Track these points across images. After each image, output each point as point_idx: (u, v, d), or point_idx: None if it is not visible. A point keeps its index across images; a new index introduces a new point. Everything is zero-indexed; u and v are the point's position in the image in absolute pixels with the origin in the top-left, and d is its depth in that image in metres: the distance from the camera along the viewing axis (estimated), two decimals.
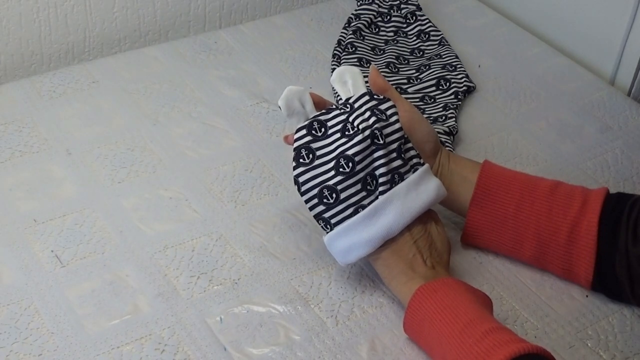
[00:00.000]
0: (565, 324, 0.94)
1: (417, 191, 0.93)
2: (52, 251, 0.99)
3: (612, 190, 1.12)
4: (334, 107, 0.97)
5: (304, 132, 0.94)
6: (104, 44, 1.42)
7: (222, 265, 0.99)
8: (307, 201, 0.93)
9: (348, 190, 0.92)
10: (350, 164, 0.92)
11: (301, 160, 0.93)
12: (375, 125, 0.93)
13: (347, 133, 0.93)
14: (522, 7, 1.49)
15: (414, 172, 0.94)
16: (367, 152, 0.92)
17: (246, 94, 1.27)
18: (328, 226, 0.93)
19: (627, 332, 0.94)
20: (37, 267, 0.97)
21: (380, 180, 0.92)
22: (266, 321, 0.93)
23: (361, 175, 0.92)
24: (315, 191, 0.92)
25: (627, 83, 1.34)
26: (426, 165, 0.95)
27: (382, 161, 0.92)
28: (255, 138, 1.18)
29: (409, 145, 0.95)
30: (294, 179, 0.93)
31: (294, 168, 0.93)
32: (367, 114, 0.94)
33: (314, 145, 0.94)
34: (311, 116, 0.95)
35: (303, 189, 0.92)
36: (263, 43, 1.39)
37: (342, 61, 1.30)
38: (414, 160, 0.95)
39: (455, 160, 1.01)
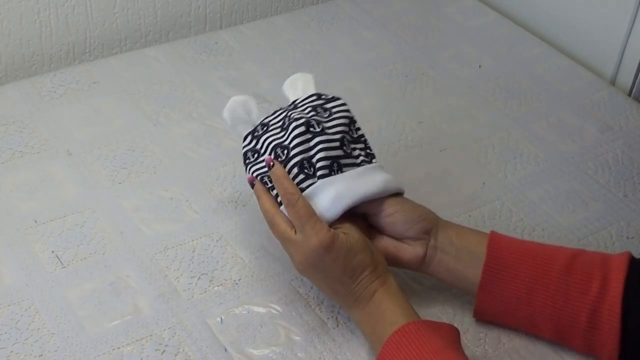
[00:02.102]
0: None
1: (360, 181, 0.91)
2: (52, 252, 0.99)
3: (613, 190, 1.12)
4: (279, 109, 0.98)
5: (249, 138, 0.97)
6: (105, 45, 1.42)
7: (223, 266, 0.99)
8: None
9: (290, 174, 0.92)
10: (286, 151, 0.92)
11: (247, 161, 0.96)
12: (313, 117, 0.93)
13: (284, 126, 0.94)
14: (522, 7, 1.49)
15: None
16: (303, 138, 0.91)
17: (246, 95, 1.26)
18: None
19: None
20: (37, 268, 0.97)
21: (319, 165, 0.91)
22: (267, 322, 0.93)
23: (297, 159, 0.91)
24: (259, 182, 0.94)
25: (628, 83, 1.34)
26: (377, 164, 0.94)
27: (321, 146, 0.91)
28: None
29: (358, 145, 0.95)
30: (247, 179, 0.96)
31: (245, 171, 0.96)
32: (307, 110, 0.95)
33: (258, 147, 0.95)
34: (257, 122, 0.97)
35: (252, 184, 0.95)
36: (263, 43, 1.39)
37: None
38: (361, 158, 0.94)
39: (459, 233, 0.92)
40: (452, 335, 0.84)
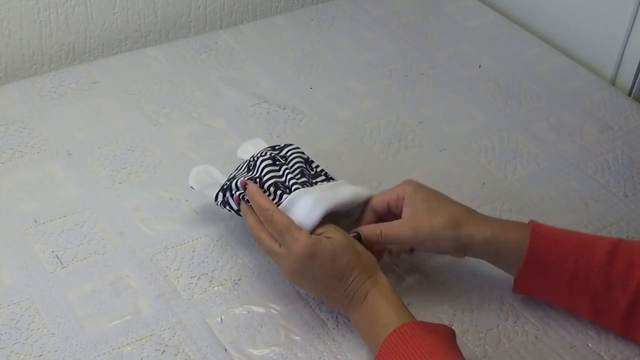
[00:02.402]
0: (566, 324, 0.94)
1: (334, 190, 0.95)
2: (52, 252, 0.99)
3: (613, 190, 1.12)
4: (239, 165, 1.01)
5: (220, 195, 0.98)
6: (105, 45, 1.42)
7: (223, 266, 0.99)
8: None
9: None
10: (258, 180, 0.95)
11: (222, 206, 0.99)
12: (273, 154, 0.97)
13: (250, 167, 0.98)
14: (522, 7, 1.49)
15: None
16: (272, 168, 0.96)
17: (247, 95, 1.27)
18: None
19: None
20: (37, 268, 0.97)
21: (292, 181, 0.94)
22: (267, 322, 0.93)
23: (271, 181, 0.94)
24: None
25: (628, 83, 1.34)
26: (342, 180, 0.98)
27: (290, 174, 0.95)
28: None
29: (319, 179, 0.98)
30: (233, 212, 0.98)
31: (225, 207, 0.99)
32: (267, 153, 0.98)
33: (231, 190, 0.97)
34: (222, 182, 1.00)
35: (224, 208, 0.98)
36: (263, 43, 1.39)
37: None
38: (322, 178, 0.99)
39: (494, 234, 0.91)
40: (448, 335, 0.84)
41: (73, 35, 1.38)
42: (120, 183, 1.10)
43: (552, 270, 0.90)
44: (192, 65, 1.33)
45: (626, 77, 1.34)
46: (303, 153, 1.00)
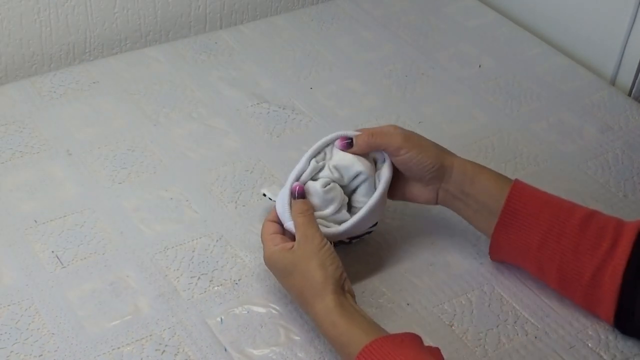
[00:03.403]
0: (566, 324, 0.94)
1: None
2: (52, 252, 0.99)
3: (613, 190, 1.12)
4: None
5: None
6: (105, 45, 1.42)
7: (223, 266, 0.99)
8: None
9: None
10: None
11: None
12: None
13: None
14: (522, 7, 1.49)
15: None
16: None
17: (247, 95, 1.27)
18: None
19: None
20: (37, 268, 0.97)
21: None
22: (267, 322, 0.93)
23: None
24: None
25: (628, 83, 1.34)
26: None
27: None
28: (255, 139, 1.18)
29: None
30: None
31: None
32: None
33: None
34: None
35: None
36: (263, 43, 1.39)
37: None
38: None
39: (473, 179, 0.95)
40: (416, 342, 0.82)
41: (73, 35, 1.38)
42: (120, 183, 1.10)
43: (526, 227, 0.92)
44: (192, 65, 1.33)
45: (626, 77, 1.34)
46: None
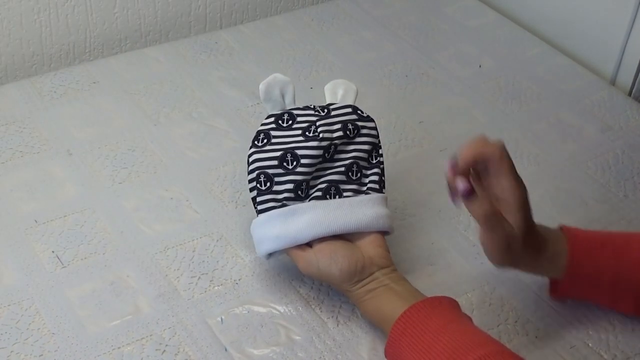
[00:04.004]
0: (566, 324, 0.94)
1: (350, 211, 0.93)
2: (52, 252, 0.99)
3: (613, 190, 1.12)
4: (312, 106, 0.98)
5: (271, 119, 0.97)
6: (105, 45, 1.42)
7: (223, 266, 0.99)
8: (248, 182, 0.95)
9: (282, 185, 0.93)
10: (295, 163, 0.94)
11: (256, 142, 0.96)
12: (336, 141, 0.95)
13: (307, 134, 0.95)
14: (522, 7, 1.49)
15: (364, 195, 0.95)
16: (316, 161, 0.94)
17: (247, 95, 1.27)
18: (256, 212, 0.95)
19: (628, 332, 0.94)
20: (37, 268, 0.97)
21: (314, 189, 0.94)
22: (267, 322, 0.93)
23: (299, 178, 0.93)
24: (254, 174, 0.94)
25: (628, 83, 1.34)
26: (380, 196, 0.95)
27: (325, 172, 0.94)
28: None
29: (373, 170, 0.96)
30: (247, 158, 0.95)
31: (249, 148, 0.96)
32: (337, 126, 0.95)
33: (274, 133, 0.96)
34: (288, 108, 0.98)
35: (249, 169, 0.95)
36: (264, 43, 1.39)
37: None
38: (369, 186, 0.95)
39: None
40: (452, 306, 0.85)
41: (73, 35, 1.38)
42: (120, 183, 1.10)
43: (594, 273, 0.90)
44: (192, 65, 1.33)
45: (626, 77, 1.34)
46: (376, 137, 0.97)
